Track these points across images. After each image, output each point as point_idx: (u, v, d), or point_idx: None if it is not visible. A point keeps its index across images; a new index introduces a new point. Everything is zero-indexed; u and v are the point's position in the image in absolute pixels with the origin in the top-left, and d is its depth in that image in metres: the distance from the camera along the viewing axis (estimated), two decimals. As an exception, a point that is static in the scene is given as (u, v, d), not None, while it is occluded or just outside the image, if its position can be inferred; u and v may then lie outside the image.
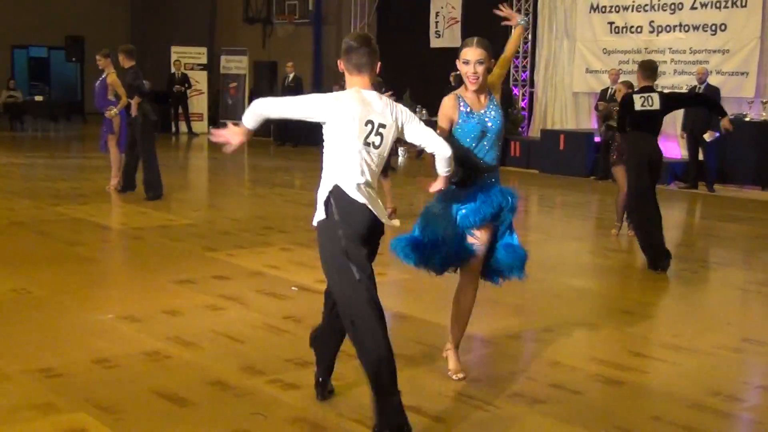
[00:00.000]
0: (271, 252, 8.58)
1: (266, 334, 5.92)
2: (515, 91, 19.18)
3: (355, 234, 4.24)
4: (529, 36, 19.40)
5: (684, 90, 15.85)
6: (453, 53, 18.83)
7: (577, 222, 11.80)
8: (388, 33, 23.06)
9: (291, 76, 21.62)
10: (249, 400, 4.74)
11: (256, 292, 7.02)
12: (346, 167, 4.24)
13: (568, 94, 18.60)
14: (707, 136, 14.49)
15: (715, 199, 14.01)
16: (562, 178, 15.81)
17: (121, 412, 4.51)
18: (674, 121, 16.46)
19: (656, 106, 8.25)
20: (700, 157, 15.01)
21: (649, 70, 8.46)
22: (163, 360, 5.34)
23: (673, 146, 16.67)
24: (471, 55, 4.94)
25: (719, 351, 5.91)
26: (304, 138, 20.92)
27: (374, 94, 4.37)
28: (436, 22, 21.62)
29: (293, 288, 7.13)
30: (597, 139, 16.12)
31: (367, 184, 4.29)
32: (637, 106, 8.27)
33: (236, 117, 26.21)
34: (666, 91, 16.34)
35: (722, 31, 16.08)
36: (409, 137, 4.48)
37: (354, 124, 4.23)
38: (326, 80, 24.21)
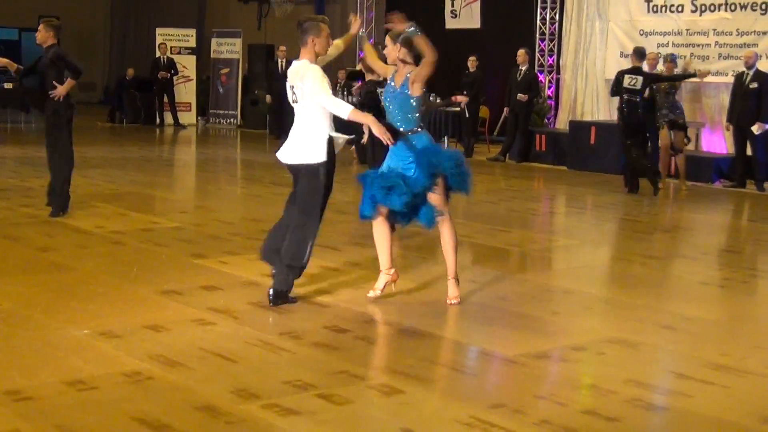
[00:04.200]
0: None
1: (261, 352, 5.86)
2: (541, 77, 19.10)
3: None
4: (556, 16, 19.34)
5: (730, 77, 15.76)
6: (471, 36, 18.85)
7: (610, 225, 11.74)
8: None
9: (283, 61, 21.36)
10: (242, 428, 4.69)
11: (250, 304, 6.97)
12: None
13: (600, 81, 18.48)
14: (756, 129, 14.41)
15: (766, 200, 13.92)
16: (593, 176, 15.72)
17: (98, 441, 4.46)
18: (720, 111, 16.39)
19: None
20: (748, 152, 14.91)
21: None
22: (144, 382, 5.29)
23: (718, 140, 16.59)
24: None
25: (773, 372, 5.85)
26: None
27: (298, 62, 6.93)
28: (452, 1, 21.57)
29: (291, 300, 7.07)
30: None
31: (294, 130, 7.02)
32: None
33: (228, 107, 26.38)
34: (710, 78, 16.31)
35: (773, 10, 16.01)
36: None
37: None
38: (329, 64, 24.15)
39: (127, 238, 9.49)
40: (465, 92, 18.28)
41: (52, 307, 6.79)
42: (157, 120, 24.35)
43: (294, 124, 7.03)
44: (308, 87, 6.75)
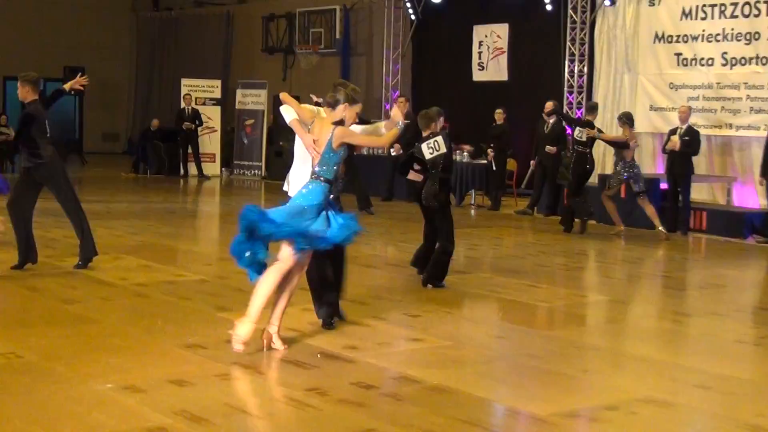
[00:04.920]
0: (292, 312, 8.45)
1: (287, 408, 5.84)
2: (568, 131, 19.11)
3: None
4: (585, 69, 19.41)
5: (762, 131, 15.75)
6: (499, 88, 19.00)
7: (640, 281, 11.67)
8: (424, 65, 23.22)
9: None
10: (267, 487, 4.66)
11: (276, 359, 6.95)
12: None
13: (629, 134, 18.51)
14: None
15: (800, 256, 13.83)
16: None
17: (121, 498, 4.44)
18: (751, 165, 16.35)
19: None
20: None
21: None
22: (168, 438, 5.28)
23: (750, 194, 16.52)
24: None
25: (812, 434, 5.76)
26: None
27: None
28: (480, 53, 21.71)
29: (318, 355, 7.06)
30: (663, 185, 15.99)
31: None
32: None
33: (252, 158, 26.52)
34: (741, 131, 16.36)
35: (806, 63, 16.02)
36: None
37: None
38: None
39: (151, 290, 9.51)
40: (492, 145, 18.31)
41: (75, 361, 6.80)
42: (181, 171, 24.47)
43: None
44: None
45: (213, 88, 25.43)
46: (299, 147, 7.91)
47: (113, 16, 32.03)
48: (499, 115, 18.49)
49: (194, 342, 7.38)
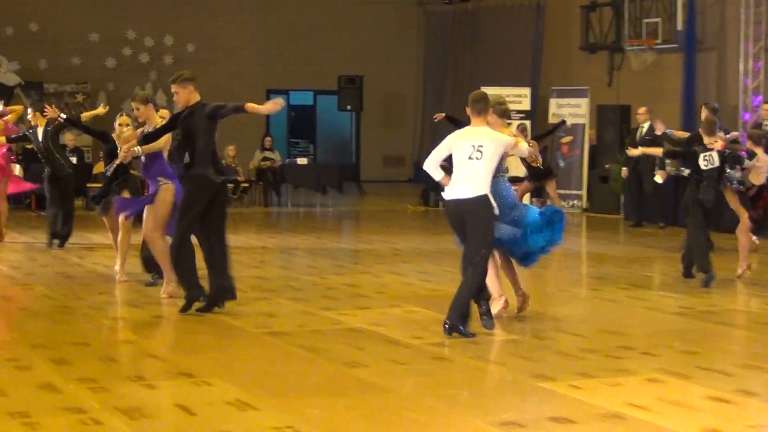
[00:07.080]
0: (632, 384, 8.40)
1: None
2: None
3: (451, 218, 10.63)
4: None
5: None
6: None
7: None
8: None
9: (645, 126, 20.92)
10: None
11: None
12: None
13: None
14: None
15: None
16: None
17: None
18: None
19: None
20: None
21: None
22: None
23: None
24: None
25: None
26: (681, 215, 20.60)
27: (482, 128, 10.21)
28: None
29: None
30: None
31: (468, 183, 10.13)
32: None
33: (570, 185, 26.37)
34: None
35: None
36: None
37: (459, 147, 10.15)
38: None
39: (451, 352, 9.62)
40: None
41: (365, 438, 6.97)
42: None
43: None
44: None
45: (520, 97, 25.57)
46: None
47: (396, 13, 32.88)
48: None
49: (509, 419, 7.39)
